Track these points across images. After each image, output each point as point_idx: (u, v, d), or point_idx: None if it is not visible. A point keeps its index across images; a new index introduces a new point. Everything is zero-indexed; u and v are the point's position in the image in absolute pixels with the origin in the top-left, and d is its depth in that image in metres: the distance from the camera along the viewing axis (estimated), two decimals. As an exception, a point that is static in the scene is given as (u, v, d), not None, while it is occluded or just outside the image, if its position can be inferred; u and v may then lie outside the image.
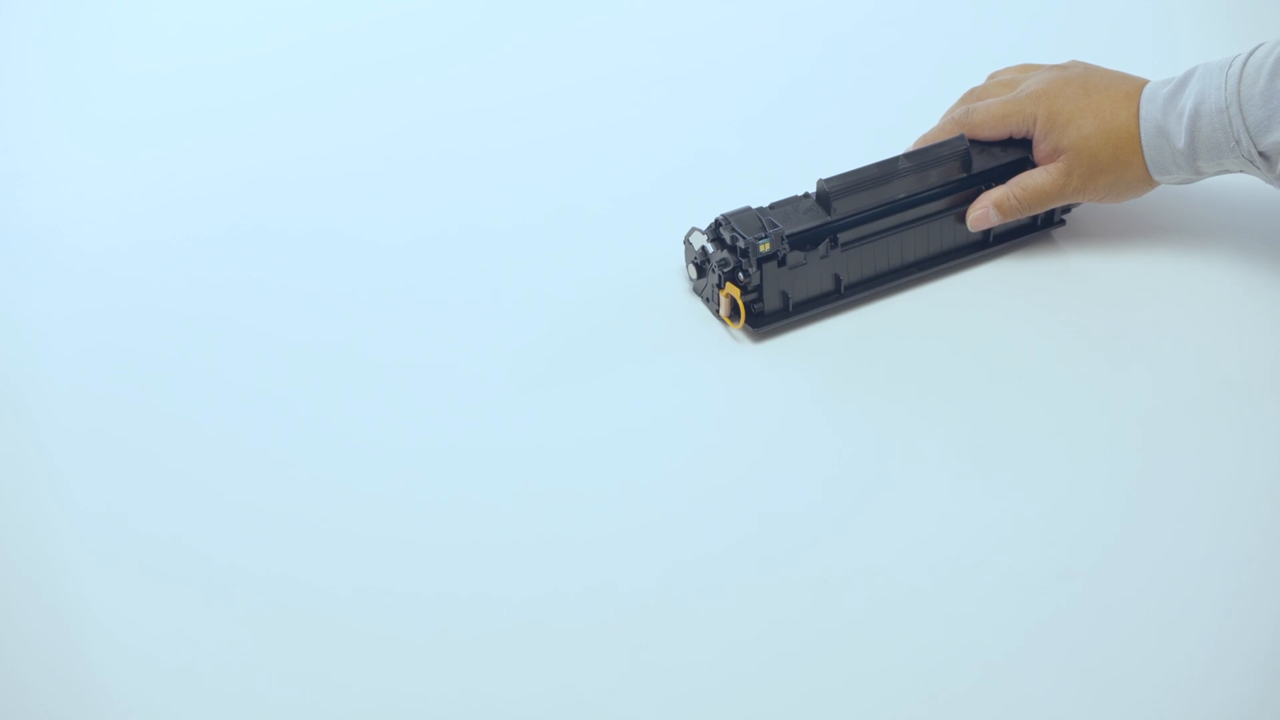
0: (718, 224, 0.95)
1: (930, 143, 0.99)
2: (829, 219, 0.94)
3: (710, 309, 0.97)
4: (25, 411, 0.94)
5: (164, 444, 0.91)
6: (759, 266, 0.92)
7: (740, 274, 0.93)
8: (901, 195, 0.96)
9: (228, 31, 1.36)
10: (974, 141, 0.99)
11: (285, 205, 1.13)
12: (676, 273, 1.00)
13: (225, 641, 0.78)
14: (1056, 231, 1.02)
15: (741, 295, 0.94)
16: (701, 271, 0.96)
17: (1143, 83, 0.96)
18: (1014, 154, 0.98)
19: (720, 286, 0.95)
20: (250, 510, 0.86)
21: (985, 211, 0.97)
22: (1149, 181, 0.96)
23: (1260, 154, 0.90)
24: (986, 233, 0.99)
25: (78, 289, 1.05)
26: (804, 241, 0.94)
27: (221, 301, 1.03)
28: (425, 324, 0.99)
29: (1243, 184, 0.99)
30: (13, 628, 0.80)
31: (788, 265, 0.93)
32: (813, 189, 0.96)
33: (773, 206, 0.95)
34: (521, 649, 0.76)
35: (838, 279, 0.96)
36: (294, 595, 0.80)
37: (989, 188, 0.98)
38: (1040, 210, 0.98)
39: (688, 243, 0.97)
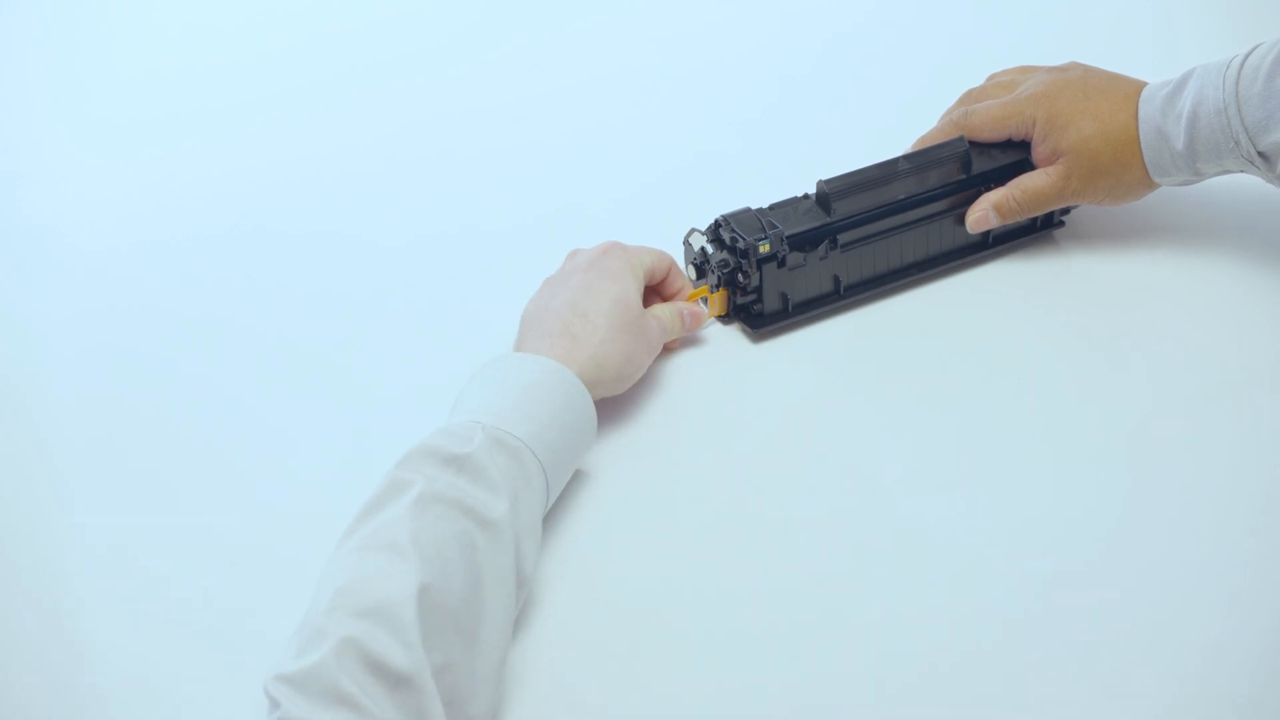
0: (717, 225, 0.95)
1: (929, 144, 0.99)
2: (829, 220, 0.94)
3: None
4: (25, 412, 0.94)
5: (163, 443, 0.91)
6: (759, 268, 0.92)
7: (740, 275, 0.93)
8: (901, 196, 0.96)
9: (228, 31, 1.36)
10: (973, 143, 0.99)
11: (285, 205, 1.13)
12: (676, 273, 1.00)
13: (227, 646, 0.78)
14: (1057, 231, 1.02)
15: (741, 296, 0.94)
16: (701, 272, 0.96)
17: (1141, 84, 0.96)
18: (1013, 155, 0.98)
19: (717, 288, 0.95)
20: (250, 510, 0.86)
21: (985, 213, 0.97)
22: (1149, 183, 0.96)
23: (1260, 154, 0.90)
24: (986, 234, 0.99)
25: (78, 289, 1.05)
26: (803, 242, 0.94)
27: (221, 302, 1.03)
28: (425, 324, 0.99)
29: (1243, 184, 0.99)
30: (10, 629, 0.80)
31: (787, 266, 0.93)
32: (813, 189, 0.96)
33: (772, 207, 0.95)
34: (517, 646, 0.76)
35: (837, 280, 0.96)
36: (295, 588, 0.80)
37: (988, 189, 0.98)
38: (1040, 212, 0.98)
39: (687, 243, 0.97)
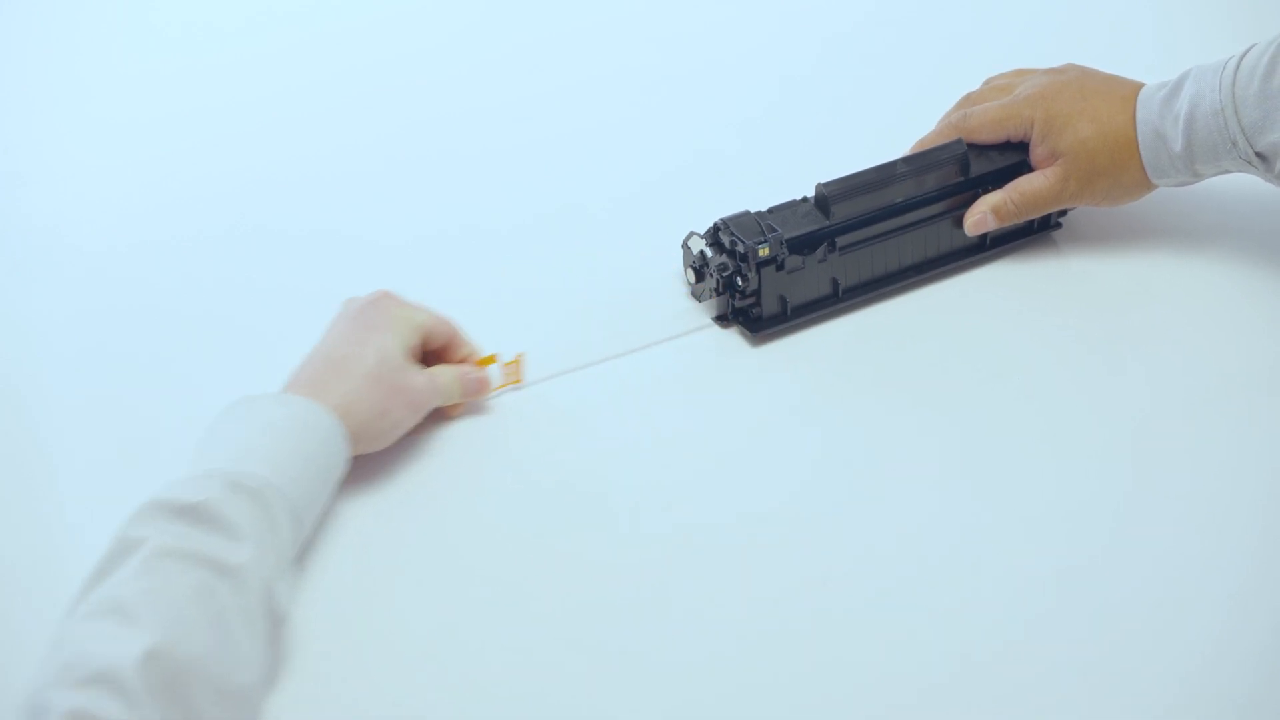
0: (716, 228, 0.95)
1: (928, 147, 0.99)
2: (827, 223, 0.94)
3: (706, 310, 0.97)
4: (25, 411, 0.94)
5: (163, 444, 0.91)
6: (757, 271, 0.92)
7: (739, 278, 0.94)
8: (899, 199, 0.96)
9: (228, 31, 1.36)
10: (972, 145, 0.99)
11: (285, 205, 1.13)
12: (675, 275, 1.00)
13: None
14: (1054, 233, 1.02)
15: (740, 300, 0.94)
16: (700, 275, 0.97)
17: (1138, 86, 0.96)
18: (1011, 157, 0.98)
19: (718, 292, 0.95)
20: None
21: (983, 216, 0.97)
22: (1147, 184, 0.96)
23: (1258, 154, 0.90)
24: (983, 236, 0.99)
25: (78, 289, 1.05)
26: (802, 245, 0.94)
27: (221, 301, 1.03)
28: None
29: (1241, 185, 0.99)
30: (10, 629, 0.80)
31: (786, 269, 0.93)
32: (812, 190, 0.96)
33: (771, 210, 0.95)
34: (512, 648, 0.76)
35: (835, 283, 0.96)
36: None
37: (986, 191, 0.98)
38: (1038, 214, 0.98)
39: (686, 247, 0.97)
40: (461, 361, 0.91)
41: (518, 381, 0.93)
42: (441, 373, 0.88)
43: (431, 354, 0.90)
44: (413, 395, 0.85)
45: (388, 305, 0.87)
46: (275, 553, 0.74)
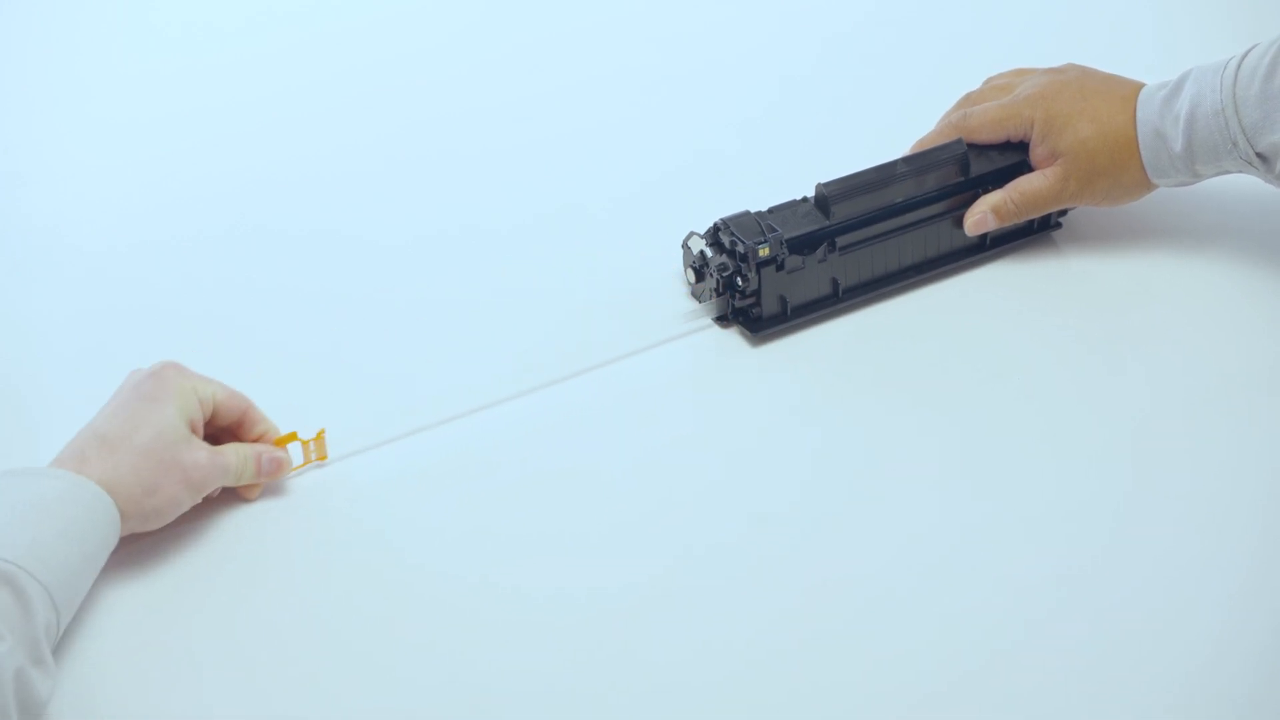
0: (716, 228, 0.95)
1: (928, 147, 0.99)
2: (827, 223, 0.95)
3: (706, 310, 0.97)
4: (25, 412, 0.95)
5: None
6: (757, 271, 0.92)
7: (739, 278, 0.94)
8: (899, 199, 0.96)
9: (228, 31, 1.36)
10: (972, 145, 0.99)
11: (285, 205, 1.13)
12: (675, 275, 1.00)
13: (225, 648, 0.78)
14: (1054, 233, 1.02)
15: (740, 300, 0.94)
16: (700, 275, 0.97)
17: (1138, 86, 0.96)
18: (1011, 157, 0.98)
19: (718, 293, 0.95)
20: (244, 509, 0.86)
21: (983, 215, 0.97)
22: (1147, 184, 0.96)
23: (1258, 155, 0.90)
24: (983, 236, 0.99)
25: (78, 289, 1.05)
26: (802, 245, 0.94)
27: (221, 301, 1.03)
28: (424, 324, 0.99)
29: (1241, 185, 0.99)
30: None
31: (786, 269, 0.93)
32: (812, 190, 0.96)
33: (771, 210, 0.95)
34: (514, 645, 0.76)
35: (835, 283, 0.96)
36: (284, 590, 0.81)
37: (986, 191, 0.98)
38: (1038, 214, 0.98)
39: (686, 247, 0.97)
40: (258, 440, 0.85)
41: (323, 459, 0.87)
42: (231, 451, 0.82)
43: (224, 431, 0.85)
44: (191, 472, 0.79)
45: (171, 376, 0.81)
46: (29, 640, 0.68)
